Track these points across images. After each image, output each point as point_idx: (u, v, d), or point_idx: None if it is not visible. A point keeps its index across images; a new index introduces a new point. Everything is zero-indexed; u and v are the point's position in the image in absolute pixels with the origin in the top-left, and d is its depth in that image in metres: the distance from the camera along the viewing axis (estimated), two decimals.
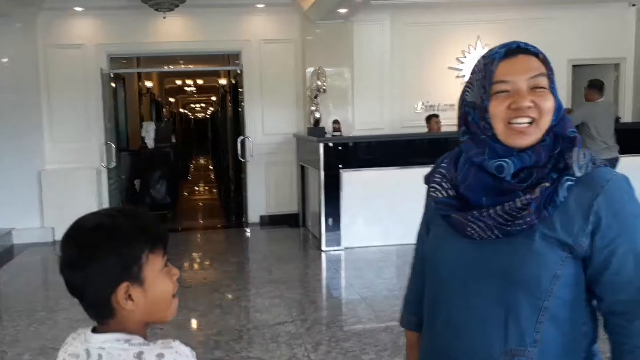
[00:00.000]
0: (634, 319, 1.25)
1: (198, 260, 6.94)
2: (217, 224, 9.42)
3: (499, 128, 1.28)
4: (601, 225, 1.25)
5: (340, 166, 6.77)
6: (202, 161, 24.94)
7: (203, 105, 28.81)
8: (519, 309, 1.27)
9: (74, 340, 1.15)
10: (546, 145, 1.29)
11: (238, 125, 9.89)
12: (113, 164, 7.97)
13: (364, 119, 8.59)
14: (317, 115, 8.16)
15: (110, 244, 1.08)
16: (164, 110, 17.75)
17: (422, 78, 9.01)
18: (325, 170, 6.75)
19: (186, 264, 6.65)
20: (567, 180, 1.25)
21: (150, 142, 9.38)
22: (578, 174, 1.25)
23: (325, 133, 8.04)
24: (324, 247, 6.79)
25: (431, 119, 8.25)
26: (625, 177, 1.30)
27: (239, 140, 8.26)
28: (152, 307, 1.13)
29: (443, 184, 1.40)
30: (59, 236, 7.97)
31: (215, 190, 14.51)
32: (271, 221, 8.45)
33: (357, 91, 8.57)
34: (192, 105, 29.22)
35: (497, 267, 1.29)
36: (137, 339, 1.10)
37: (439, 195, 1.39)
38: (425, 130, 8.43)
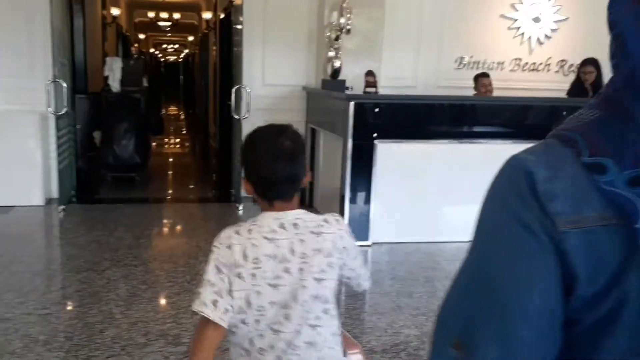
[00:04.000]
0: None
1: (179, 247, 5.40)
2: (199, 195, 7.88)
3: None
4: None
5: (375, 135, 5.30)
6: (172, 112, 23.15)
7: (176, 46, 26.87)
8: None
9: (259, 225, 1.59)
10: None
11: (228, 72, 8.38)
12: (64, 109, 6.37)
13: (392, 74, 7.10)
14: (337, 63, 6.66)
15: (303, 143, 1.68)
16: (132, 48, 15.95)
17: (465, 26, 7.58)
18: (354, 139, 5.29)
19: (161, 252, 5.17)
20: None
21: (115, 84, 7.74)
22: None
23: (347, 88, 6.56)
24: None
25: (479, 79, 6.83)
26: None
27: (232, 90, 6.71)
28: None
29: None
30: None
31: (190, 151, 13.04)
32: None
33: (387, 37, 7.07)
34: (164, 46, 27.24)
35: None
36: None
37: None
38: (471, 92, 7.08)
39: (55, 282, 4.32)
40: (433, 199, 5.51)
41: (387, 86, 6.96)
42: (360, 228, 5.37)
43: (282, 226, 1.57)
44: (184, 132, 16.72)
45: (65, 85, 6.31)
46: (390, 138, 5.36)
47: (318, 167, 6.83)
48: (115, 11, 11.15)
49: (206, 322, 1.52)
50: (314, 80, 7.11)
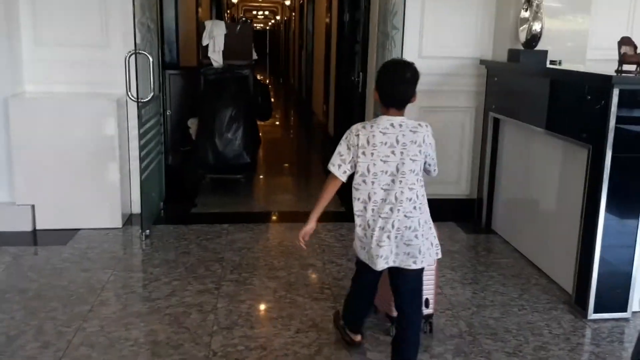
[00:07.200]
0: None
1: (320, 324, 3.39)
2: (329, 209, 5.53)
3: None
4: None
5: None
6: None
7: (266, 12, 24.86)
8: None
9: (377, 123, 2.45)
10: None
11: (351, 41, 6.38)
12: (151, 94, 4.45)
13: (600, 43, 4.88)
14: (537, 27, 4.45)
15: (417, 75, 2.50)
16: (226, 13, 14.00)
17: None
18: (615, 149, 3.10)
19: (300, 335, 3.16)
20: None
21: (217, 57, 5.75)
22: None
23: (553, 62, 4.37)
24: (591, 313, 3.23)
25: None
26: None
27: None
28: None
29: None
30: (43, 223, 4.24)
31: (296, 134, 11.03)
32: None
33: None
34: (254, 12, 25.26)
35: None
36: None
37: None
38: None
39: None
40: None
41: (593, 59, 4.76)
42: (611, 290, 3.22)
43: (392, 125, 2.43)
44: (277, 102, 14.69)
45: (152, 59, 4.38)
46: None
47: (499, 176, 4.69)
48: None
49: (332, 176, 2.51)
50: (490, 51, 4.95)
